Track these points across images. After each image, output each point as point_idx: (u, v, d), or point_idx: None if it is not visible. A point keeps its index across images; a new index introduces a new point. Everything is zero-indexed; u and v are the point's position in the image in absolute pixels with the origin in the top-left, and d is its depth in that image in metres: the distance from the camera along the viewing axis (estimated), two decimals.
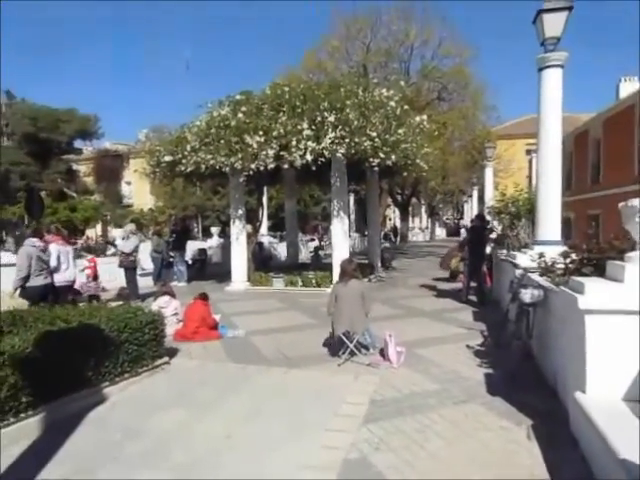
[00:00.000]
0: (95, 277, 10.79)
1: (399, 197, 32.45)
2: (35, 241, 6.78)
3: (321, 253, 18.12)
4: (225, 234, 18.32)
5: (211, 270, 14.90)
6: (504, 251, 8.86)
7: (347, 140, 9.42)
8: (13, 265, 6.85)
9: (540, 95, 6.72)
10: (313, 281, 11.36)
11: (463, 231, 27.55)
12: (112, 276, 10.96)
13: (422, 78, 21.44)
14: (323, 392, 4.48)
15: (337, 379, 4.87)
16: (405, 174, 12.63)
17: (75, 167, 37.64)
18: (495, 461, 3.14)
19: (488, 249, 10.28)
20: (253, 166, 9.96)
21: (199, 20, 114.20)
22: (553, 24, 6.36)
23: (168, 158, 11.11)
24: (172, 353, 5.75)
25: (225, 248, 15.05)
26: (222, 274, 12.98)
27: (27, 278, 6.51)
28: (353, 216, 28.97)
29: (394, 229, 36.30)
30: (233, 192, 12.07)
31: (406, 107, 11.31)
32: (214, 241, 17.79)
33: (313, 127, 9.60)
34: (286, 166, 10.24)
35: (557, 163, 6.78)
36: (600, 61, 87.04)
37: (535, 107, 6.90)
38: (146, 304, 7.23)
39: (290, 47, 63.01)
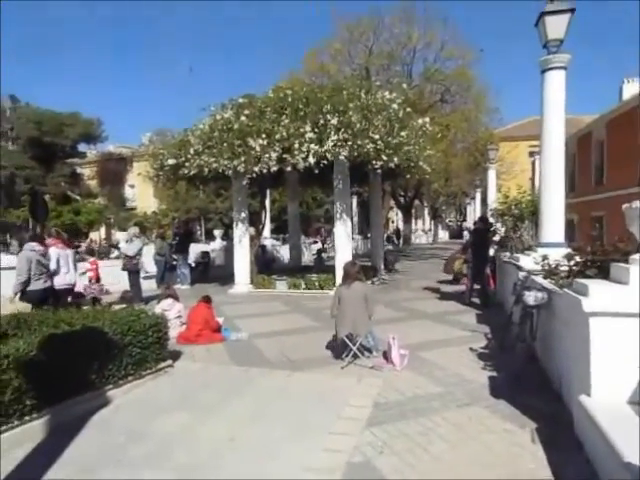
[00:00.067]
0: (97, 279, 10.84)
1: (402, 199, 32.48)
2: (35, 245, 6.80)
3: (324, 255, 18.17)
4: (228, 237, 18.33)
5: (214, 273, 14.89)
6: (507, 253, 8.83)
7: (350, 143, 9.45)
8: (13, 268, 6.86)
9: (543, 97, 6.72)
10: (316, 284, 11.36)
11: (466, 233, 27.50)
12: (115, 279, 11.00)
13: (425, 80, 21.48)
14: (326, 395, 4.47)
15: (340, 382, 4.86)
16: (408, 176, 12.67)
17: (79, 170, 37.90)
18: (499, 464, 3.12)
19: (491, 251, 10.26)
20: (256, 169, 10.00)
21: (199, 20, 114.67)
22: (555, 26, 6.37)
23: (171, 161, 11.18)
24: (175, 356, 5.75)
25: (228, 251, 15.06)
26: (225, 277, 13.01)
27: (27, 282, 6.53)
28: (356, 218, 29.02)
29: (397, 231, 36.34)
30: (236, 195, 12.11)
31: (409, 109, 11.36)
32: (217, 244, 17.79)
33: (316, 130, 9.64)
34: (289, 169, 10.28)
35: (560, 165, 6.77)
36: (603, 63, 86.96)
37: (538, 109, 6.90)
38: (149, 307, 7.23)
39: (291, 47, 63.30)
